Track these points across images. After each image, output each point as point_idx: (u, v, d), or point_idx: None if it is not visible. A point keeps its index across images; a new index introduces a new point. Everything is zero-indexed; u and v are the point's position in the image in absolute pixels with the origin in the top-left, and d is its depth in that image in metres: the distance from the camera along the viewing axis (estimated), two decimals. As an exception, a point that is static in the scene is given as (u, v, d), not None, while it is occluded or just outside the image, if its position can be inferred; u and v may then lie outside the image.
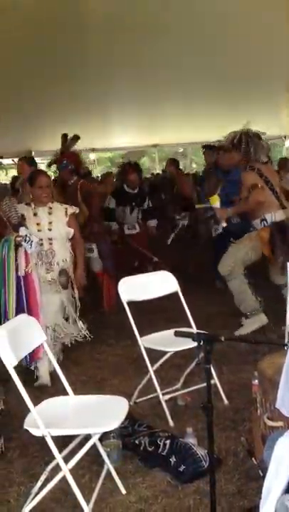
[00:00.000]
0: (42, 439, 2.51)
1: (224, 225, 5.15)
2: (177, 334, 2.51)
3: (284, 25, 8.42)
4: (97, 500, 2.73)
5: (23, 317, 3.01)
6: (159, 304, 5.58)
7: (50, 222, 4.46)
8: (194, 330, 3.86)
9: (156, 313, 5.63)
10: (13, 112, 9.59)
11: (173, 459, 2.96)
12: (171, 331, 2.61)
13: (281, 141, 12.91)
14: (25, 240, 4.10)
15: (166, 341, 3.62)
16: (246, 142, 4.98)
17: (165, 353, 3.74)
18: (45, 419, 2.52)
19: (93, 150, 11.99)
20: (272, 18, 8.24)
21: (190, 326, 3.96)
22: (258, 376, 2.95)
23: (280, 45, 8.86)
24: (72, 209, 4.64)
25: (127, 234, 7.08)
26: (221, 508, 2.57)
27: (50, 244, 4.44)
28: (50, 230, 4.45)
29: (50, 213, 4.51)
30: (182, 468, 2.90)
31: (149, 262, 6.89)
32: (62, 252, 4.49)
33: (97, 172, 13.19)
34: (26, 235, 4.13)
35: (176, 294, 4.05)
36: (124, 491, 2.82)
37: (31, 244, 4.11)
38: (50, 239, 4.44)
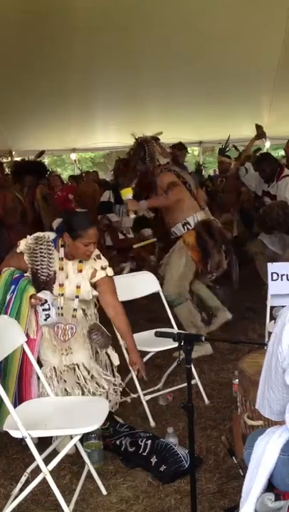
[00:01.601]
0: (22, 440, 2.50)
1: (132, 216, 5.03)
2: (158, 334, 2.51)
3: (266, 26, 8.46)
4: (77, 501, 2.72)
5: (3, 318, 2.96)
6: (140, 305, 5.61)
7: (78, 286, 3.23)
8: (175, 330, 3.87)
9: (137, 314, 5.63)
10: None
11: (154, 459, 2.96)
12: (152, 332, 2.62)
13: (262, 142, 12.97)
14: (43, 306, 3.06)
15: (147, 341, 3.62)
16: (136, 152, 4.86)
17: (146, 353, 3.74)
18: (26, 420, 2.50)
19: (74, 150, 11.95)
20: (253, 20, 8.27)
21: (171, 326, 3.97)
22: (239, 375, 2.97)
23: (261, 46, 8.90)
24: (105, 263, 3.33)
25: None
26: (201, 508, 2.58)
27: (74, 316, 3.25)
28: (77, 297, 3.24)
29: (80, 271, 3.25)
30: (163, 468, 2.90)
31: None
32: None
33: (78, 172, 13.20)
34: (47, 302, 3.08)
35: (157, 294, 4.06)
36: (105, 492, 2.82)
37: (48, 316, 3.07)
38: (74, 309, 3.25)
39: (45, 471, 2.50)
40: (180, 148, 7.12)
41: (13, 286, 3.10)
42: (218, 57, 9.00)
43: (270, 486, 1.90)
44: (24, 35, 7.64)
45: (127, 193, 4.75)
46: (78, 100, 9.81)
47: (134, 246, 6.51)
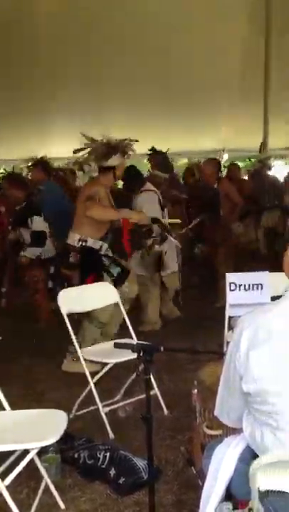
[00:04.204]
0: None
1: None
2: (117, 346, 2.50)
3: (227, 38, 8.65)
4: (35, 516, 2.67)
5: None
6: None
7: None
8: (134, 341, 3.86)
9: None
10: None
11: (113, 471, 2.94)
12: (112, 343, 2.60)
13: (219, 154, 13.18)
14: None
15: (106, 353, 3.61)
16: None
17: (105, 364, 3.72)
18: (-19, 434, 2.45)
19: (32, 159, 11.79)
20: (215, 31, 8.44)
21: (131, 337, 3.96)
22: (198, 385, 2.98)
23: (222, 57, 9.07)
24: None
25: None
26: (160, 519, 2.57)
27: None
28: None
29: None
30: (122, 480, 2.88)
31: None
32: None
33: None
34: None
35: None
36: (63, 506, 2.78)
37: None
38: None
39: (1, 487, 2.44)
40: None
41: None
42: (179, 69, 9.14)
43: (228, 495, 1.91)
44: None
45: None
46: (36, 110, 9.75)
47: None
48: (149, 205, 5.69)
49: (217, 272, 6.40)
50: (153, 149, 6.82)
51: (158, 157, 6.75)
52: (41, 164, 6.99)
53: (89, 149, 4.76)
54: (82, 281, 4.47)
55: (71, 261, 4.68)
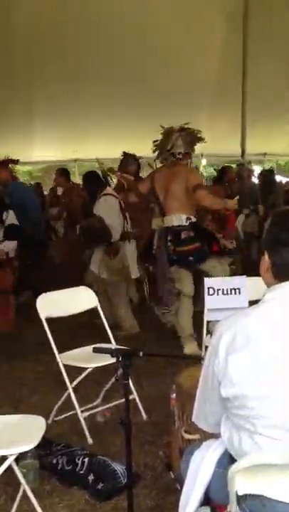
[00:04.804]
0: None
1: None
2: (96, 350, 2.50)
3: (205, 38, 8.71)
4: (12, 523, 2.65)
5: None
6: (78, 321, 5.57)
7: None
8: (113, 345, 3.86)
9: (75, 330, 5.59)
10: None
11: (91, 477, 2.94)
12: (90, 348, 2.60)
13: (198, 159, 13.25)
14: None
15: (85, 357, 3.60)
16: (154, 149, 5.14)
17: (84, 369, 3.71)
18: None
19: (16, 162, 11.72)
20: (193, 32, 8.50)
21: (110, 342, 3.96)
22: (176, 390, 2.99)
23: (202, 59, 9.14)
24: None
25: None
26: (139, 524, 2.57)
27: None
28: None
29: None
30: (100, 485, 2.87)
31: None
32: None
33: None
34: None
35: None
36: (40, 512, 2.75)
37: None
38: None
39: (-21, 494, 2.42)
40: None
41: None
42: (160, 74, 9.18)
43: (206, 500, 1.92)
44: None
45: None
46: (15, 113, 9.70)
47: None
48: (106, 209, 5.75)
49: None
50: (124, 153, 6.88)
51: (126, 161, 6.82)
52: (6, 164, 6.93)
53: (176, 137, 5.02)
54: (210, 250, 5.00)
55: (184, 237, 4.98)
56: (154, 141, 5.16)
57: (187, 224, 5.00)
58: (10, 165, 7.00)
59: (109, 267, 5.77)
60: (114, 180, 6.86)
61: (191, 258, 4.91)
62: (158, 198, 5.03)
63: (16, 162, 7.26)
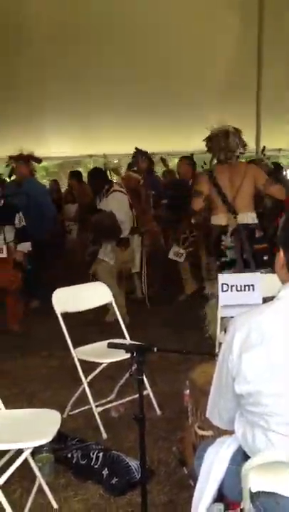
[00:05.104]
0: None
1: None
2: (110, 346, 2.51)
3: (216, 36, 8.64)
4: (28, 516, 2.68)
5: None
6: (94, 315, 5.61)
7: None
8: (128, 341, 3.88)
9: (89, 326, 5.62)
10: None
11: (105, 472, 2.96)
12: (104, 343, 2.62)
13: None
14: None
15: (99, 352, 3.62)
16: (209, 147, 5.04)
17: (99, 364, 3.73)
18: (-25, 434, 2.45)
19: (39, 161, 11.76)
20: (204, 32, 8.44)
21: (124, 337, 3.98)
22: (189, 386, 3.00)
23: (212, 58, 9.07)
24: None
25: None
26: (153, 519, 2.59)
27: None
28: None
29: None
30: (114, 480, 2.89)
31: None
32: None
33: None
34: None
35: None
36: (56, 506, 2.79)
37: None
38: None
39: (-5, 487, 2.45)
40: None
41: None
42: (170, 71, 9.14)
43: (219, 496, 1.92)
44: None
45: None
46: (30, 109, 9.72)
47: None
48: (117, 205, 5.79)
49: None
50: (136, 149, 6.90)
51: (138, 157, 6.84)
52: (28, 160, 6.98)
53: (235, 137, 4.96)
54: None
55: (258, 236, 4.89)
56: (207, 141, 5.08)
57: (257, 222, 4.95)
58: (31, 162, 7.04)
59: (118, 258, 5.85)
60: (114, 179, 6.96)
61: (265, 258, 4.79)
62: (224, 197, 4.95)
63: (39, 161, 7.30)
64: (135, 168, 6.96)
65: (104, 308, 5.62)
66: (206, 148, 5.15)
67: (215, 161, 5.01)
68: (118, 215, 5.72)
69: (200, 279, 6.29)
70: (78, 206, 9.33)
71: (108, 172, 6.74)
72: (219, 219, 4.86)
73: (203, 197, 4.85)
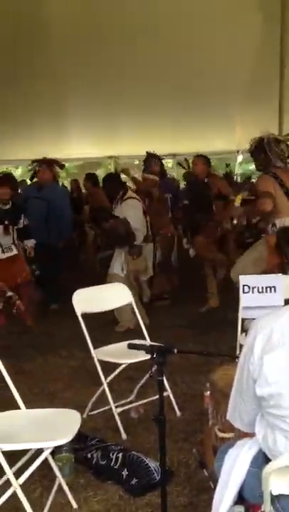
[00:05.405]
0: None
1: (234, 222, 5.17)
2: (130, 346, 2.51)
3: (238, 37, 8.59)
4: (48, 516, 2.69)
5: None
6: (114, 316, 5.63)
7: None
8: (148, 342, 3.88)
9: (110, 326, 5.64)
10: None
11: (125, 472, 2.96)
12: (125, 343, 2.62)
13: (234, 155, 13.12)
14: None
15: (119, 353, 3.62)
16: (263, 150, 4.96)
17: (119, 365, 3.73)
18: (-4, 433, 2.47)
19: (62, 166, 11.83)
20: (227, 31, 8.40)
21: (144, 338, 3.97)
22: (210, 388, 2.99)
23: (235, 57, 9.02)
24: None
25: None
26: (172, 521, 2.58)
27: None
28: None
29: None
30: (134, 481, 2.89)
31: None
32: None
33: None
34: None
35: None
36: (75, 505, 2.80)
37: None
38: None
39: (16, 485, 2.47)
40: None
41: None
42: (192, 71, 9.11)
43: (240, 499, 1.91)
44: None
45: (238, 201, 5.01)
46: (53, 110, 9.79)
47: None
48: (133, 212, 5.80)
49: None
50: (147, 153, 6.88)
51: (150, 161, 6.83)
52: (52, 165, 7.06)
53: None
54: None
55: None
56: (257, 145, 5.05)
57: None
58: (55, 166, 7.11)
59: (130, 267, 5.85)
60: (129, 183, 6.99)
61: None
62: None
63: (62, 166, 7.41)
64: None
65: (115, 321, 5.68)
66: (229, 150, 5.12)
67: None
68: (133, 223, 5.72)
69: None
70: (89, 209, 9.35)
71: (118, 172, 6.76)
72: (286, 222, 4.76)
73: (273, 198, 4.73)
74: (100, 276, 6.10)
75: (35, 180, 7.28)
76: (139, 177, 7.59)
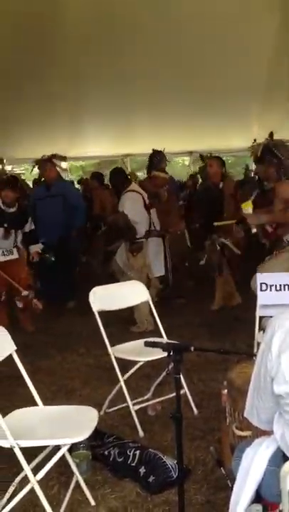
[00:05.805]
0: (10, 449, 2.48)
1: (254, 230, 4.99)
2: (147, 344, 2.51)
3: (256, 36, 8.55)
4: (65, 512, 2.71)
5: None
6: (131, 314, 5.64)
7: None
8: (164, 340, 3.87)
9: (127, 323, 5.65)
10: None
11: (142, 470, 2.96)
12: (141, 341, 2.62)
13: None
14: None
15: (136, 351, 3.63)
16: (274, 155, 4.85)
17: (136, 362, 3.74)
18: (14, 430, 2.49)
19: (65, 159, 11.89)
20: (244, 30, 8.36)
21: (161, 336, 3.97)
22: (227, 386, 2.98)
23: (252, 56, 8.98)
24: None
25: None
26: (189, 518, 2.57)
27: None
28: None
29: None
30: (151, 478, 2.89)
31: (18, 295, 5.93)
32: None
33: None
34: None
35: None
36: (93, 502, 2.81)
37: None
38: None
39: (34, 482, 2.48)
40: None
41: None
42: (208, 69, 9.09)
43: (257, 497, 1.91)
44: (15, 42, 7.67)
45: (247, 207, 4.73)
46: (69, 109, 9.84)
47: (215, 224, 6.14)
48: (130, 205, 5.77)
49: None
50: (153, 150, 6.87)
51: (155, 157, 6.79)
52: (51, 161, 7.08)
53: None
54: None
55: None
56: (261, 153, 5.01)
57: None
58: (54, 161, 7.12)
59: (131, 265, 5.85)
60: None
61: None
62: None
63: (63, 158, 7.42)
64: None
65: (131, 319, 5.67)
66: (246, 147, 5.06)
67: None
68: (130, 215, 5.71)
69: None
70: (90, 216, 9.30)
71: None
72: None
73: None
74: (102, 276, 6.14)
75: (42, 180, 7.36)
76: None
